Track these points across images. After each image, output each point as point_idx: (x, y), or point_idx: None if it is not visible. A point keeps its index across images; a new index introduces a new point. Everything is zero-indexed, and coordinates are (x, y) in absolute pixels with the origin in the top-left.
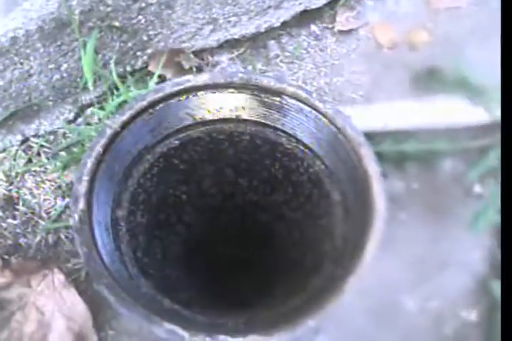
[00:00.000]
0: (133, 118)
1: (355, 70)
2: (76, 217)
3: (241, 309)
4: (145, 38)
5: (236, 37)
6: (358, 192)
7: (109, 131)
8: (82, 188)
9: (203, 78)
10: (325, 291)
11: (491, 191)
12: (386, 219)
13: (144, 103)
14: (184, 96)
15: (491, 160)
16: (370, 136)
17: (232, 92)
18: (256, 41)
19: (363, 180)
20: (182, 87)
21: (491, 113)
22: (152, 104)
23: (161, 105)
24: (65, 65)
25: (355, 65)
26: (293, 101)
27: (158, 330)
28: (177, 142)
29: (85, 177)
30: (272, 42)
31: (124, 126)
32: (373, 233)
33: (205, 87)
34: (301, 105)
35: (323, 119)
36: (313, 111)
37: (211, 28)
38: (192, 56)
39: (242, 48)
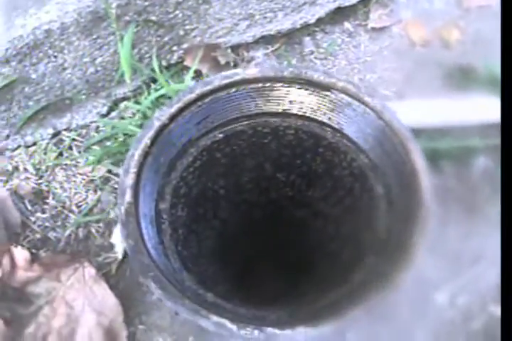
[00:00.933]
0: (181, 110)
1: (387, 67)
2: (122, 209)
3: (281, 302)
4: (181, 33)
5: (272, 33)
6: (403, 186)
7: (157, 123)
8: (129, 180)
9: (252, 71)
10: (368, 283)
11: None
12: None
13: (193, 95)
14: (233, 90)
15: None
16: None
17: (281, 86)
18: (291, 37)
19: (409, 174)
20: (231, 79)
21: None
22: (201, 97)
23: (209, 98)
24: (99, 59)
25: (388, 62)
26: (342, 95)
27: (205, 323)
28: (221, 135)
29: (132, 170)
30: (307, 38)
31: (172, 118)
32: (422, 228)
33: (254, 81)
34: (350, 99)
35: (372, 113)
36: (362, 106)
37: (247, 23)
38: (229, 51)
39: (277, 44)
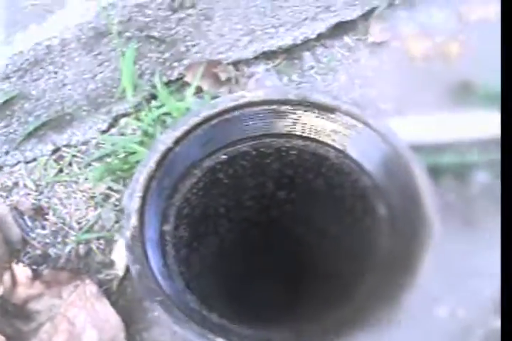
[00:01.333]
0: (186, 134)
1: (387, 82)
2: (128, 234)
3: (285, 321)
4: (183, 49)
5: (273, 48)
6: (407, 207)
7: (161, 147)
8: (134, 204)
9: (258, 94)
10: (372, 303)
11: None
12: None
13: (199, 118)
14: (239, 112)
15: None
16: None
17: (287, 109)
18: (291, 53)
19: (413, 196)
20: (237, 102)
21: None
22: (206, 120)
23: (215, 121)
24: (100, 75)
25: (388, 77)
26: (346, 117)
27: None
28: (225, 156)
29: (138, 194)
30: (307, 53)
31: (178, 141)
32: (425, 248)
33: (260, 103)
34: (354, 122)
35: (376, 136)
36: (366, 128)
37: (249, 39)
38: (230, 67)
39: (278, 60)
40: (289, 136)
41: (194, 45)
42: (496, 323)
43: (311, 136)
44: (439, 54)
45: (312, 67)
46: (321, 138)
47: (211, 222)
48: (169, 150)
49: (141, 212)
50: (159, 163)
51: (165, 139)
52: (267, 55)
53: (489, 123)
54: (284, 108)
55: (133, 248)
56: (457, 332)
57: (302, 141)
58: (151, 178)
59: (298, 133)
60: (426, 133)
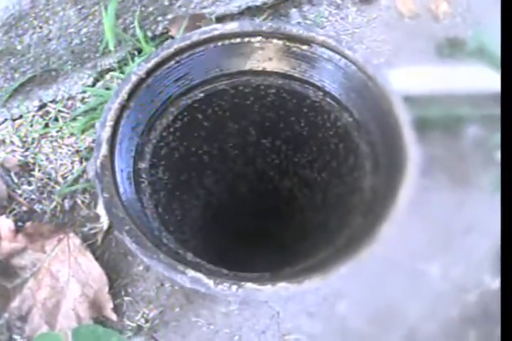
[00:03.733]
0: (158, 65)
1: (376, 39)
2: (98, 162)
3: (266, 265)
4: (166, 3)
5: (258, 4)
6: (387, 141)
7: (134, 78)
8: (105, 134)
9: (231, 26)
10: (354, 241)
11: None
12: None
13: (171, 50)
14: (211, 45)
15: None
16: None
17: (259, 41)
18: (277, 9)
19: (393, 128)
20: (210, 34)
21: None
22: (178, 52)
23: (187, 53)
24: (84, 29)
25: (376, 34)
26: (322, 49)
27: (181, 279)
28: (202, 94)
29: (109, 123)
30: (294, 10)
31: (149, 73)
32: (406, 179)
33: (233, 35)
34: (331, 53)
35: (353, 67)
36: (343, 60)
37: None
38: (214, 22)
39: (263, 16)
40: (266, 73)
41: None
42: (491, 282)
43: (288, 72)
44: (427, 12)
45: (299, 24)
46: (297, 75)
47: (194, 171)
48: (141, 81)
49: (112, 142)
50: (131, 94)
51: (137, 70)
52: (252, 11)
53: (477, 78)
54: (257, 40)
55: (102, 177)
56: (450, 293)
57: (280, 78)
58: (122, 108)
59: (273, 69)
60: (414, 85)
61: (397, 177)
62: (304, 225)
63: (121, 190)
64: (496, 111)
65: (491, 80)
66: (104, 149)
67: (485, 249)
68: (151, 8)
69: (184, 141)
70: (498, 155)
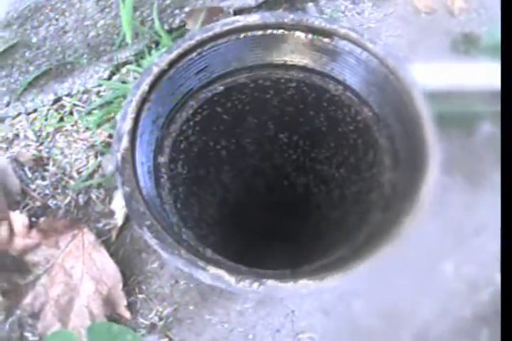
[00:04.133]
0: (180, 57)
1: (392, 34)
2: (119, 156)
3: (283, 263)
4: None
5: None
6: (408, 136)
7: (155, 69)
8: (126, 126)
9: (253, 18)
10: (374, 238)
11: None
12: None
13: (193, 42)
14: (233, 37)
15: None
16: None
17: (282, 34)
18: (294, 3)
19: (414, 122)
20: (232, 26)
21: None
22: (200, 44)
23: (209, 45)
24: (101, 22)
25: (392, 29)
26: (344, 42)
27: (202, 276)
28: (222, 88)
29: (130, 115)
30: (310, 4)
31: (171, 64)
32: (428, 175)
33: (255, 28)
34: (352, 46)
35: (374, 60)
36: (364, 52)
37: None
38: (232, 15)
39: (280, 9)
40: (287, 66)
41: None
42: None
43: (308, 65)
44: (443, 7)
45: None
46: (318, 68)
47: (212, 167)
48: (163, 72)
49: (133, 135)
50: (152, 86)
51: (159, 62)
52: (269, 4)
53: (493, 74)
54: (279, 33)
55: (123, 170)
56: (463, 292)
57: (300, 71)
58: (144, 101)
59: (294, 62)
60: (431, 81)
61: (419, 172)
62: (322, 222)
63: (141, 183)
64: None
65: None
66: (125, 142)
67: (498, 248)
68: (168, 1)
69: (203, 135)
70: None
